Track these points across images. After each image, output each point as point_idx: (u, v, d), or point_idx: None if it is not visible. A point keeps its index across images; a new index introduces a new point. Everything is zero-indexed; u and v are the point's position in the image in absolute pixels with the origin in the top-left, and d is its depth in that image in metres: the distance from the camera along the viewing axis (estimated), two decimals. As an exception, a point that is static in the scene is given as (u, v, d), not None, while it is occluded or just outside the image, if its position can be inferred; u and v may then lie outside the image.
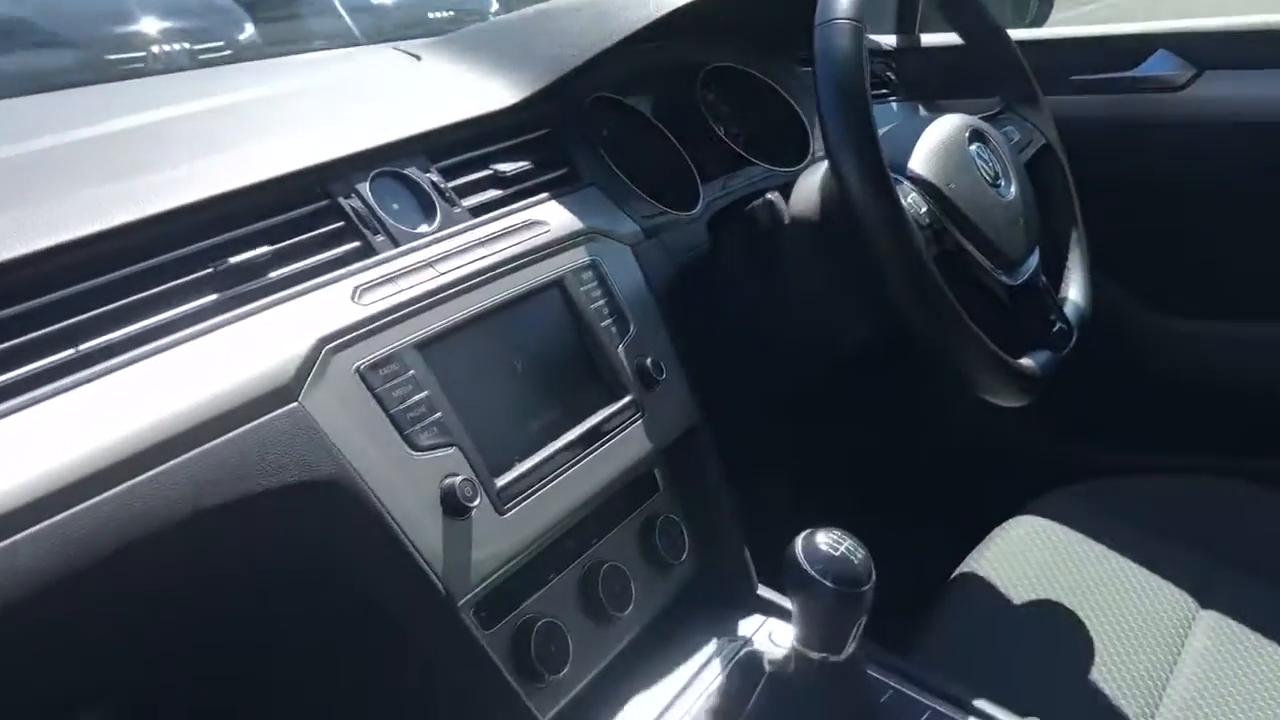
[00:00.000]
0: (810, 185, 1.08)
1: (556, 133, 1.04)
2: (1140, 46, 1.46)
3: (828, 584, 0.74)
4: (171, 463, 0.64)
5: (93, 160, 0.80)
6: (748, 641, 0.93)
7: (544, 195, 0.98)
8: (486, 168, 0.96)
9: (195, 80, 1.22)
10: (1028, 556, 1.15)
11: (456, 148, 0.94)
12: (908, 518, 1.36)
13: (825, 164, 1.11)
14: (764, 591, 0.97)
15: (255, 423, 0.68)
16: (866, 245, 0.91)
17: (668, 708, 0.85)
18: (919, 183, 1.00)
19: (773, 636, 0.93)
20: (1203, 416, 1.52)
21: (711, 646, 0.91)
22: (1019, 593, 1.10)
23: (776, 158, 1.26)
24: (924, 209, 0.99)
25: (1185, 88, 1.44)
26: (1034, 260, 1.09)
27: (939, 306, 0.92)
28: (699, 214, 1.12)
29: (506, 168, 0.97)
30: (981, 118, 1.13)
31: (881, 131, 0.92)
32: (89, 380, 0.66)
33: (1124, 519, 1.20)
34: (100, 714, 0.65)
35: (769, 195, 1.04)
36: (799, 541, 0.76)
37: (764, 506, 1.03)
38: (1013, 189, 1.08)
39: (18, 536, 0.58)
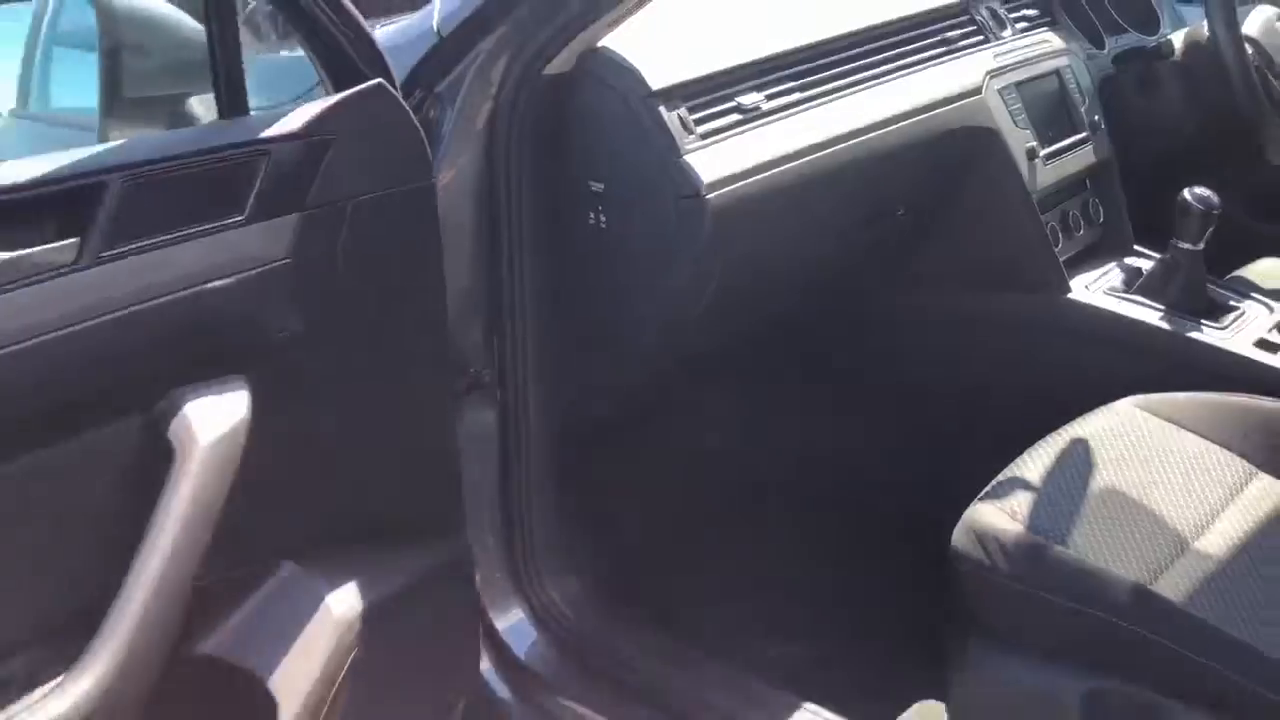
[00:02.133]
0: (1176, 40, 1.96)
1: None
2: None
3: (1199, 207, 1.63)
4: (923, 116, 1.56)
5: None
6: (1126, 264, 1.83)
7: (1044, 26, 1.88)
8: (1016, 9, 1.86)
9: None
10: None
11: None
12: None
13: (1186, 30, 1.99)
14: (1137, 246, 1.87)
15: (960, 104, 1.61)
16: (1222, 69, 1.79)
17: (1099, 279, 1.76)
18: (1248, 39, 1.86)
19: (1143, 265, 1.83)
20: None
21: (1114, 264, 1.82)
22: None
23: (1139, 28, 2.13)
24: (1250, 51, 1.85)
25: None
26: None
27: (1261, 98, 1.79)
28: (1106, 53, 2.00)
29: (1029, 11, 1.87)
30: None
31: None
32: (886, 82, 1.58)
33: None
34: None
35: (1169, 37, 1.92)
36: (1185, 191, 1.64)
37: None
38: (1296, 50, 1.94)
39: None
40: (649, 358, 1.46)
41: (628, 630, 1.44)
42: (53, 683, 0.82)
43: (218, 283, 0.94)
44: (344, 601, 1.08)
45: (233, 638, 1.00)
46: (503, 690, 1.41)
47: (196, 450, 0.90)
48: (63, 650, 0.84)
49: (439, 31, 1.28)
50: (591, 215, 1.34)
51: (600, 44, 1.30)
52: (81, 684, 0.82)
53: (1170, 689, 1.15)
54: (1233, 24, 1.80)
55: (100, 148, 0.94)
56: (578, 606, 1.45)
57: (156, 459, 0.90)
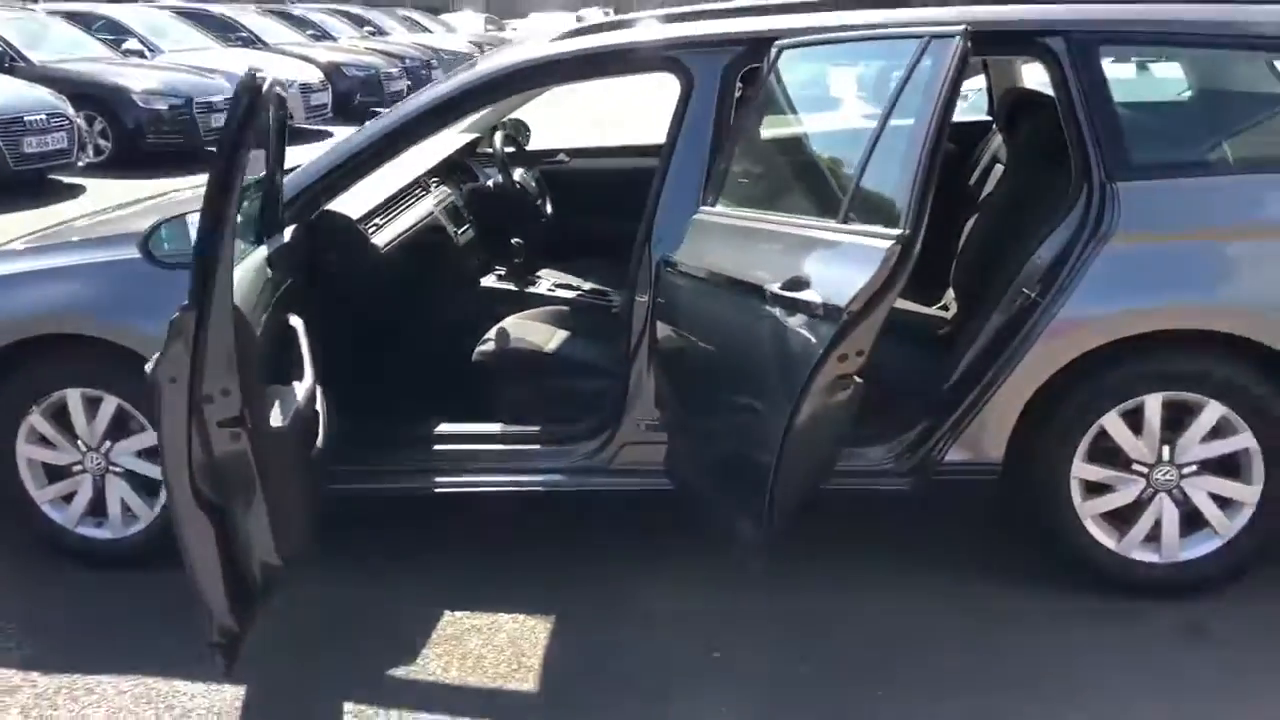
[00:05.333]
0: (490, 182, 4.83)
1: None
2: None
3: (517, 244, 4.42)
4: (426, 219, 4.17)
5: None
6: (495, 273, 4.57)
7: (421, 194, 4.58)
8: (437, 185, 4.53)
9: None
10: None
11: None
12: None
13: (494, 178, 4.86)
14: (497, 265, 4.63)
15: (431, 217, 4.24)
16: (512, 193, 4.63)
17: (489, 278, 4.47)
18: (514, 181, 4.71)
19: (501, 271, 4.58)
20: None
21: (492, 274, 4.54)
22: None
23: (475, 180, 4.94)
24: (517, 183, 4.70)
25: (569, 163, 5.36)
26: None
27: (525, 201, 4.67)
28: (466, 189, 4.77)
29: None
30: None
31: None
32: None
33: None
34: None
35: (489, 181, 4.76)
36: (513, 240, 4.43)
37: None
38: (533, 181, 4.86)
39: None
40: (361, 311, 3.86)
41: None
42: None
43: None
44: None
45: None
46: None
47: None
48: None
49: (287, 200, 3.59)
50: (330, 265, 3.73)
51: (328, 207, 3.70)
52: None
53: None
54: (508, 174, 4.62)
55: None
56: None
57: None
